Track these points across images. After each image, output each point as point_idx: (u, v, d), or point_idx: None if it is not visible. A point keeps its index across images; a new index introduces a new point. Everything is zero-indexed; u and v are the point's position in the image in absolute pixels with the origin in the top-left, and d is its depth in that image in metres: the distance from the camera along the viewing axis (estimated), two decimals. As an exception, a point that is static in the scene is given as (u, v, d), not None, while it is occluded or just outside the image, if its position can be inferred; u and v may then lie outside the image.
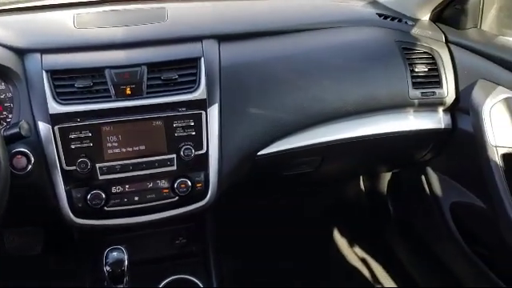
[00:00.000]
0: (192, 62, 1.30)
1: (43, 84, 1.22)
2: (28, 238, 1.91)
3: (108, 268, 1.26)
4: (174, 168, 1.28)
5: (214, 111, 1.29)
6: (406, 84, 1.43)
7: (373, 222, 2.23)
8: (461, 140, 1.48)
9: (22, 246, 1.90)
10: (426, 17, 1.60)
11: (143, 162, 1.26)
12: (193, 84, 1.28)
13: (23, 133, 1.13)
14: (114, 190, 1.26)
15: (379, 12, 1.62)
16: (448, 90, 1.46)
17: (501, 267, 1.50)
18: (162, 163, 1.27)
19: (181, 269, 1.62)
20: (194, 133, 1.27)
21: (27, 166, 1.19)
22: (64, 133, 1.21)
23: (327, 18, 1.56)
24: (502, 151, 1.31)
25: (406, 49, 1.47)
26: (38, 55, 1.25)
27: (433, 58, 1.47)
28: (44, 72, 1.23)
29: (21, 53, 1.27)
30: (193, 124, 1.27)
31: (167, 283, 1.59)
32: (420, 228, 1.94)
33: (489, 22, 1.47)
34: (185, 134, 1.27)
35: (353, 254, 2.13)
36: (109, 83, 1.24)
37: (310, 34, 1.48)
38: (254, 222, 2.06)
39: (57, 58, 1.26)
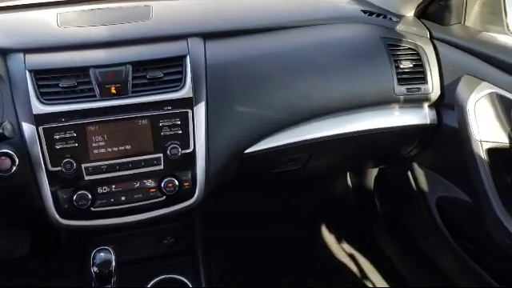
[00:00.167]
0: (177, 61, 1.30)
1: (27, 84, 1.20)
2: (14, 240, 1.89)
3: (95, 269, 1.24)
4: (161, 167, 1.27)
5: (200, 109, 1.28)
6: (392, 80, 1.44)
7: (360, 219, 2.24)
8: (446, 135, 1.49)
9: (8, 248, 1.88)
10: (410, 13, 1.61)
11: (129, 161, 1.25)
12: (178, 82, 1.28)
13: (7, 134, 1.11)
14: (100, 190, 1.25)
15: (364, 9, 1.62)
16: (433, 86, 1.47)
17: (486, 260, 1.52)
18: (149, 163, 1.26)
19: (169, 268, 1.61)
20: (180, 131, 1.27)
21: (11, 168, 1.17)
22: (48, 133, 1.20)
23: (312, 15, 1.56)
24: (486, 146, 1.32)
25: (391, 45, 1.48)
26: (20, 55, 1.24)
27: (418, 54, 1.48)
28: (27, 72, 1.21)
29: (3, 53, 1.25)
30: (179, 123, 1.27)
31: (155, 283, 1.58)
32: (407, 223, 1.95)
33: (472, 18, 1.48)
34: (171, 132, 1.26)
35: (341, 251, 2.14)
36: (93, 83, 1.23)
37: (295, 31, 1.48)
38: (242, 221, 2.05)
39: (40, 58, 1.25)
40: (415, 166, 1.72)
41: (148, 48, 1.31)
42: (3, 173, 1.17)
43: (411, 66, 1.47)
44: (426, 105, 1.51)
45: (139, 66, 1.27)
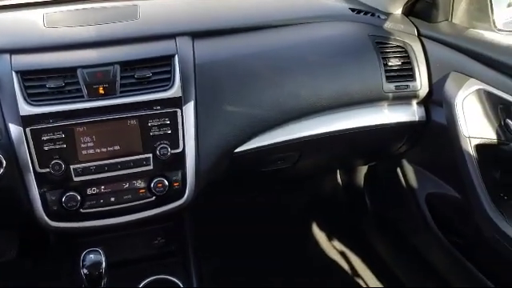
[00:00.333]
0: (166, 60, 1.29)
1: (13, 85, 1.19)
2: (1, 243, 1.87)
3: (85, 271, 1.23)
4: (151, 167, 1.26)
5: (189, 109, 1.27)
6: (380, 78, 1.45)
7: (350, 216, 2.24)
8: (435, 132, 1.50)
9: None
10: (398, 11, 1.62)
11: (118, 162, 1.24)
12: (167, 82, 1.27)
13: (-7, 135, 1.10)
14: (89, 191, 1.25)
15: (352, 7, 1.62)
16: (421, 83, 1.48)
17: (476, 255, 1.53)
18: (138, 163, 1.26)
19: (160, 269, 1.60)
20: (169, 131, 1.26)
21: (-2, 170, 1.16)
22: (36, 134, 1.18)
23: (301, 13, 1.56)
24: (475, 142, 1.33)
25: (380, 43, 1.48)
26: (7, 56, 1.22)
27: (406, 52, 1.49)
28: (14, 73, 1.20)
29: (-11, 54, 1.24)
30: (168, 122, 1.26)
31: (146, 284, 1.58)
32: (397, 220, 1.96)
33: (459, 15, 1.49)
34: (160, 132, 1.26)
35: (331, 249, 2.15)
36: (81, 83, 1.22)
37: (283, 29, 1.48)
38: (232, 220, 2.05)
39: (27, 59, 1.24)
40: (405, 162, 1.73)
41: (136, 48, 1.30)
42: (-10, 175, 1.15)
43: (399, 63, 1.47)
44: (414, 102, 1.51)
45: (127, 65, 1.26)
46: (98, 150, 1.23)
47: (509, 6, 1.49)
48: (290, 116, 1.40)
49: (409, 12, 1.62)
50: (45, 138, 1.19)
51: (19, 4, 1.46)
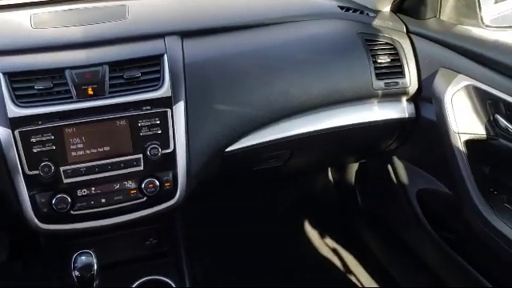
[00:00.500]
0: (155, 60, 1.28)
1: (1, 87, 1.18)
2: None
3: (77, 273, 1.22)
4: (141, 168, 1.26)
5: (179, 109, 1.27)
6: (370, 75, 1.45)
7: (342, 214, 2.25)
8: (425, 128, 1.50)
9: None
10: (386, 8, 1.62)
11: (109, 163, 1.24)
12: (157, 82, 1.26)
13: (-19, 138, 1.09)
14: (79, 193, 1.24)
15: (341, 4, 1.63)
16: (410, 80, 1.48)
17: (466, 250, 1.54)
18: (129, 164, 1.25)
19: (152, 270, 1.60)
20: (159, 131, 1.26)
21: (-13, 173, 1.15)
22: (25, 137, 1.17)
23: (290, 12, 1.56)
24: (464, 138, 1.34)
25: (369, 40, 1.49)
26: (-6, 57, 1.21)
27: (395, 49, 1.49)
28: (1, 74, 1.19)
29: (-24, 55, 1.23)
30: (158, 122, 1.25)
31: (139, 285, 1.57)
32: (388, 216, 1.97)
33: (447, 12, 1.50)
34: (150, 133, 1.25)
35: (323, 247, 2.15)
36: (70, 84, 1.21)
37: (272, 28, 1.48)
38: (224, 219, 2.05)
39: (14, 60, 1.22)
40: (395, 159, 1.74)
41: (124, 48, 1.29)
42: (-22, 178, 1.14)
43: (389, 60, 1.48)
44: (404, 99, 1.52)
45: (116, 66, 1.25)
46: (88, 152, 1.22)
47: (496, 2, 1.50)
48: (281, 114, 1.39)
49: (397, 9, 1.62)
50: (34, 140, 1.18)
51: (6, 5, 1.45)
